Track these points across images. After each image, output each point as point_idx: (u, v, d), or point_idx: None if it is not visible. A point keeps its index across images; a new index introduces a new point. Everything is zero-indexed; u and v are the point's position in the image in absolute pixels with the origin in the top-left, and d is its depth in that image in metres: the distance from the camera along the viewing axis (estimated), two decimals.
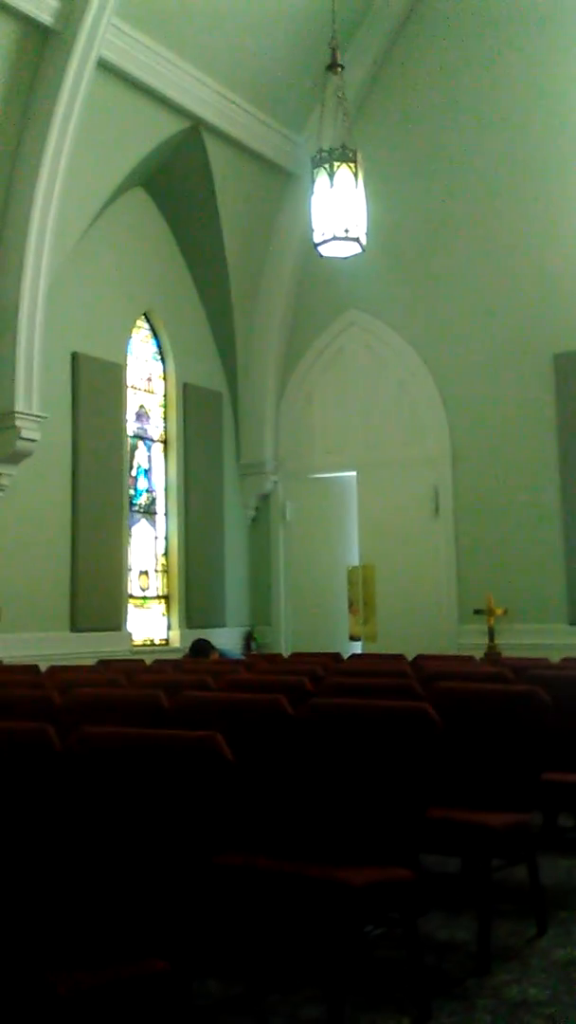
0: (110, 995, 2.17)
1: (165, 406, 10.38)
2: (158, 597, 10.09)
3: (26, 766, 2.70)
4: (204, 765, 2.38)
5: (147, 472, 10.16)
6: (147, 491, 10.14)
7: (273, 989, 3.34)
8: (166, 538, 10.20)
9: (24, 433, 7.97)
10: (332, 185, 7.55)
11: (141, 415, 10.13)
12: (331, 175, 7.58)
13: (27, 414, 7.97)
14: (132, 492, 9.84)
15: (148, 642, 9.78)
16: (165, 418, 10.37)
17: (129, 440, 9.76)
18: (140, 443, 10.08)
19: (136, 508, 9.92)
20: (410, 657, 6.96)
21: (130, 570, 9.59)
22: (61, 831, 2.57)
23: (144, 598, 9.91)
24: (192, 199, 9.98)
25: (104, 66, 8.18)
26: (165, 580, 10.15)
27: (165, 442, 10.34)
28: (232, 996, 3.32)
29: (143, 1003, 2.26)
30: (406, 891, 3.09)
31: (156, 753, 2.54)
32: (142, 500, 10.05)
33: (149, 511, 10.12)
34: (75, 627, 8.69)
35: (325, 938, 2.87)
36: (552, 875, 4.66)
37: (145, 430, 10.17)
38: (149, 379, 10.26)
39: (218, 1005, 3.23)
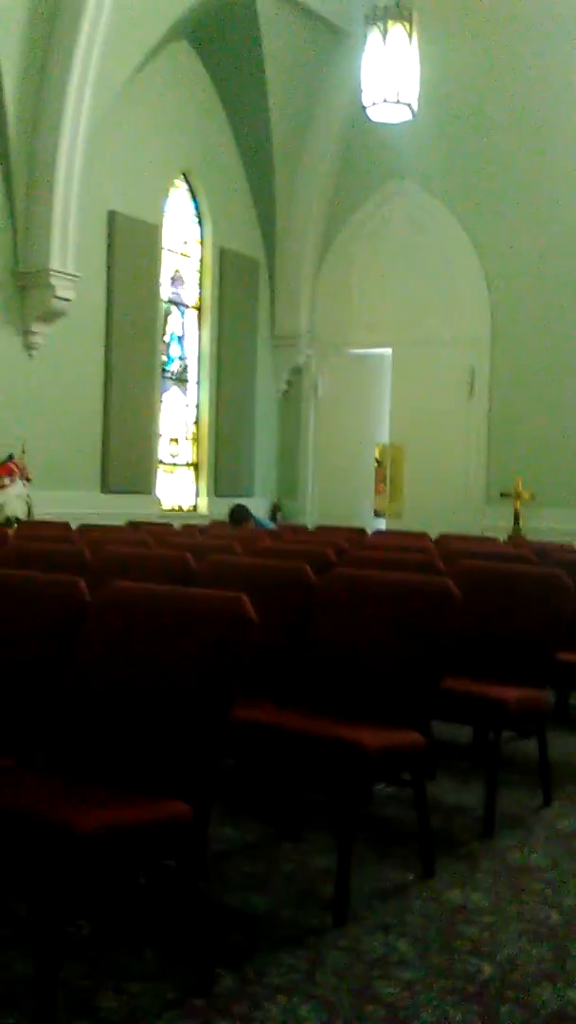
0: (130, 834, 2.27)
1: (201, 271, 10.21)
2: (187, 464, 10.14)
3: (57, 616, 2.79)
4: (229, 622, 2.45)
5: (180, 339, 10.07)
6: (179, 358, 10.07)
7: (285, 838, 3.50)
8: (197, 406, 10.19)
9: (59, 292, 7.91)
10: (384, 44, 7.24)
11: (176, 280, 9.99)
12: (384, 33, 7.26)
13: (62, 272, 7.89)
14: (164, 358, 9.79)
15: (176, 508, 9.89)
16: (200, 284, 10.22)
17: (163, 305, 9.65)
18: (174, 309, 9.97)
19: (168, 375, 9.88)
20: (434, 536, 7.02)
21: (160, 436, 9.62)
22: (89, 678, 2.67)
23: (174, 464, 9.97)
24: (237, 54, 9.59)
25: None
26: (195, 448, 10.19)
27: (199, 309, 10.22)
28: (247, 843, 3.48)
29: (163, 843, 2.37)
30: (417, 754, 3.19)
31: (185, 609, 2.61)
32: (174, 367, 10.00)
33: (181, 379, 10.08)
34: (106, 488, 8.79)
35: (338, 793, 2.99)
36: (561, 751, 4.78)
37: (180, 295, 10.04)
38: (185, 242, 10.07)
39: (233, 851, 3.39)
